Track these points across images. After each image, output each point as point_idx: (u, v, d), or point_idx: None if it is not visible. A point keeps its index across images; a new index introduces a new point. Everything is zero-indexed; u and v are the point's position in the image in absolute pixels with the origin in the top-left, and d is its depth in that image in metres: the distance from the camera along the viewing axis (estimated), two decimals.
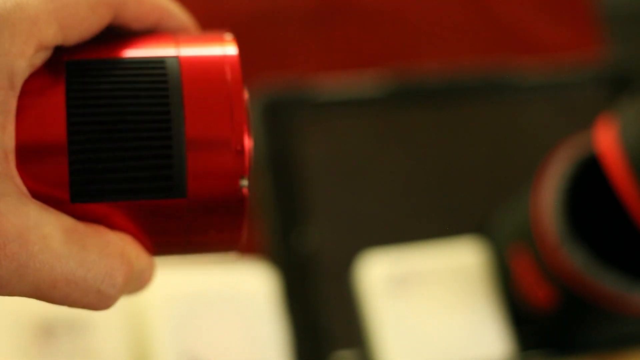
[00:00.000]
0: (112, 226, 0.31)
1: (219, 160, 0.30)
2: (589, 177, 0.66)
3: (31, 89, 0.30)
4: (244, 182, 0.31)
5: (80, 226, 0.30)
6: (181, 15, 0.34)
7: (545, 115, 0.83)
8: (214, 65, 0.31)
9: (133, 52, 0.31)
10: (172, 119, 0.30)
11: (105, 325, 0.66)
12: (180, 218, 0.31)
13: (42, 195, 0.30)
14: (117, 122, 0.30)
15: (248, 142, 0.31)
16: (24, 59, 0.29)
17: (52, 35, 0.30)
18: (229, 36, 0.33)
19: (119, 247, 0.31)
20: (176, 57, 0.31)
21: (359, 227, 0.77)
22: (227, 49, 0.32)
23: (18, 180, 0.29)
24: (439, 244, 0.75)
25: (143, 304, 0.67)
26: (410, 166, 0.80)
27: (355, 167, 0.79)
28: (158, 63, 0.31)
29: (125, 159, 0.30)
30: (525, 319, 0.73)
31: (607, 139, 0.64)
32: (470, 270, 0.74)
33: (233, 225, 0.32)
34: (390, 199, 0.78)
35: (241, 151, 0.31)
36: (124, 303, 0.67)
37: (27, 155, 0.29)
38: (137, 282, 0.32)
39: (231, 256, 0.34)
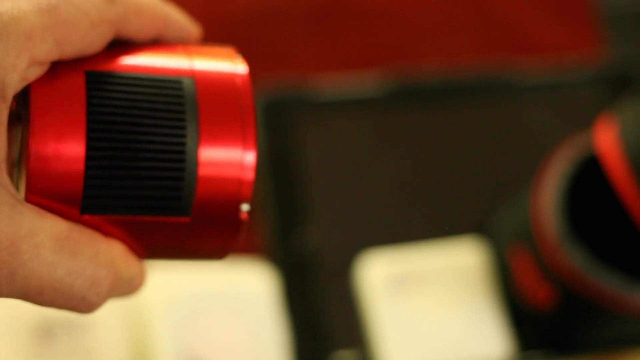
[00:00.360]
0: (108, 233, 0.32)
1: (226, 187, 0.32)
2: (589, 177, 0.66)
3: (50, 94, 0.30)
4: (245, 207, 0.32)
5: (75, 233, 0.31)
6: (183, 23, 0.34)
7: (545, 115, 0.83)
8: (227, 89, 0.32)
9: (150, 68, 0.32)
10: (187, 143, 0.31)
11: (105, 325, 0.66)
12: (178, 233, 0.32)
13: (48, 203, 0.30)
14: (134, 142, 0.30)
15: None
16: (16, 72, 0.29)
17: (46, 50, 0.30)
18: (239, 58, 0.34)
19: (109, 256, 0.31)
20: (192, 79, 0.32)
21: (359, 227, 0.77)
22: (238, 68, 0.33)
23: (11, 188, 0.30)
24: (439, 244, 0.75)
25: (143, 304, 0.67)
26: (410, 166, 0.80)
27: (355, 167, 0.79)
28: (175, 83, 0.31)
29: (139, 178, 0.30)
30: (525, 319, 0.73)
31: (607, 139, 0.64)
32: (470, 270, 0.74)
33: (226, 242, 0.33)
34: (390, 199, 0.78)
35: (249, 181, 0.32)
36: (124, 303, 0.67)
37: (41, 161, 0.30)
38: (126, 289, 0.33)
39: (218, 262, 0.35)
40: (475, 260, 0.74)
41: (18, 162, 0.31)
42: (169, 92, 0.31)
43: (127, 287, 0.33)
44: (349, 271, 0.74)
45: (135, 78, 0.31)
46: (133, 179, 0.30)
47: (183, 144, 0.31)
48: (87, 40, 0.31)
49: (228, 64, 0.33)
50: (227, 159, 0.31)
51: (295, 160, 0.78)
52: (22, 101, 0.31)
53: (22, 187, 0.31)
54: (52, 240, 0.30)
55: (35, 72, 0.30)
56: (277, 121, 0.78)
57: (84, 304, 0.31)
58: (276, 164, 0.77)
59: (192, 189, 0.31)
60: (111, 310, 0.66)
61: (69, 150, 0.30)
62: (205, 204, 0.31)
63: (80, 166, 0.30)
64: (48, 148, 0.30)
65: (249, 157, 0.32)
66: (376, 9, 0.86)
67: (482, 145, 0.81)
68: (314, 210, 0.76)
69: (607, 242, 0.66)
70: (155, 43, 0.33)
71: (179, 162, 0.31)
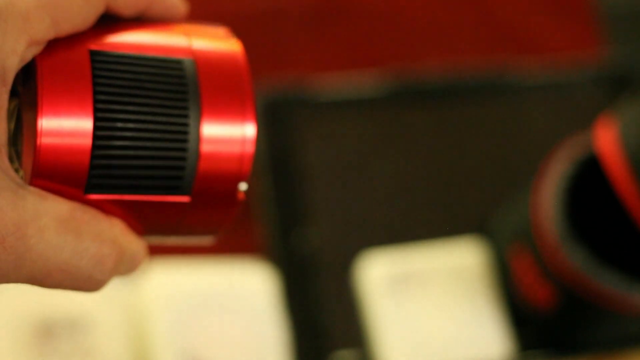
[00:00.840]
0: (109, 211, 0.32)
1: (226, 168, 0.32)
2: (589, 177, 0.66)
3: (55, 73, 0.30)
4: (243, 187, 0.33)
5: (78, 213, 0.31)
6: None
7: (545, 115, 0.83)
8: (226, 67, 0.33)
9: (152, 48, 0.32)
10: (190, 123, 0.32)
11: (105, 325, 0.66)
12: (176, 211, 0.33)
13: (50, 185, 0.30)
14: (139, 122, 0.31)
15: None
16: (16, 55, 0.29)
17: (43, 30, 0.30)
18: (233, 37, 0.34)
19: (112, 234, 0.32)
20: (192, 59, 0.32)
21: (359, 227, 0.77)
22: (234, 46, 0.34)
23: (11, 172, 0.30)
24: (439, 244, 0.75)
25: (143, 303, 0.67)
26: (410, 166, 0.80)
27: (355, 167, 0.79)
28: (176, 63, 0.32)
29: (143, 158, 0.31)
30: (525, 319, 0.73)
31: (607, 139, 0.64)
32: (470, 270, 0.74)
33: (221, 220, 0.34)
34: (390, 199, 0.78)
35: (248, 164, 0.32)
36: (124, 303, 0.67)
37: (51, 137, 0.30)
38: (128, 266, 0.33)
39: (209, 240, 0.36)
40: (475, 260, 0.74)
41: (14, 141, 0.32)
42: (171, 73, 0.32)
43: (130, 264, 0.33)
44: (349, 271, 0.74)
45: (138, 58, 0.32)
46: (137, 159, 0.31)
47: (186, 124, 0.31)
48: (82, 15, 0.31)
49: (224, 43, 0.34)
50: (228, 134, 0.32)
51: (295, 160, 0.78)
52: (20, 78, 0.31)
53: (22, 167, 0.31)
54: (56, 222, 0.30)
55: (33, 52, 0.30)
56: (277, 121, 0.78)
57: (90, 283, 0.31)
58: (276, 164, 0.77)
59: (193, 169, 0.32)
60: (111, 310, 0.66)
61: (77, 128, 0.30)
62: (204, 184, 0.32)
63: (87, 143, 0.30)
64: (57, 126, 0.30)
65: (250, 130, 0.32)
66: (376, 9, 0.86)
67: (482, 145, 0.81)
68: (314, 210, 0.76)
69: (607, 242, 0.66)
70: (149, 21, 0.34)
71: (182, 142, 0.31)
